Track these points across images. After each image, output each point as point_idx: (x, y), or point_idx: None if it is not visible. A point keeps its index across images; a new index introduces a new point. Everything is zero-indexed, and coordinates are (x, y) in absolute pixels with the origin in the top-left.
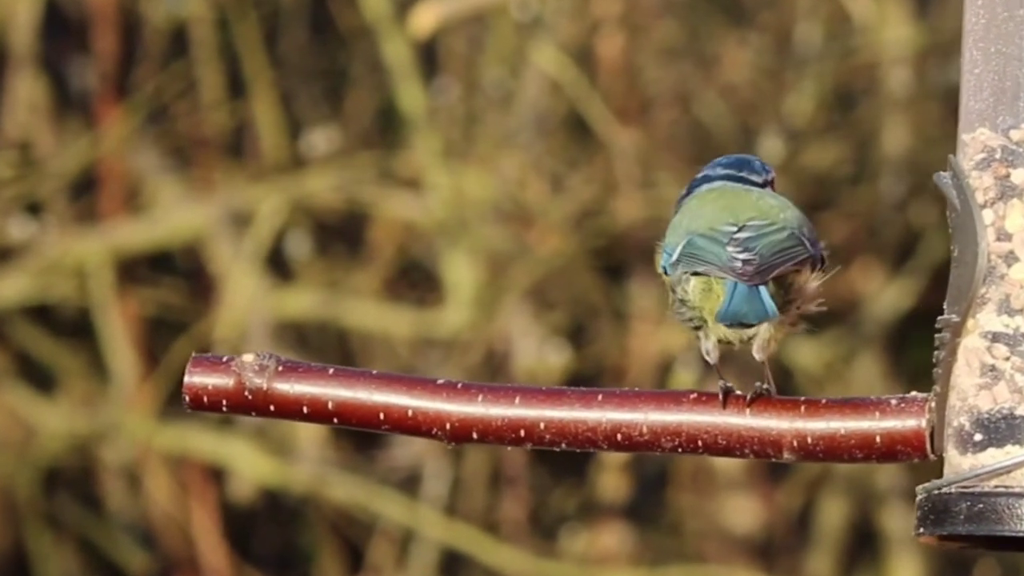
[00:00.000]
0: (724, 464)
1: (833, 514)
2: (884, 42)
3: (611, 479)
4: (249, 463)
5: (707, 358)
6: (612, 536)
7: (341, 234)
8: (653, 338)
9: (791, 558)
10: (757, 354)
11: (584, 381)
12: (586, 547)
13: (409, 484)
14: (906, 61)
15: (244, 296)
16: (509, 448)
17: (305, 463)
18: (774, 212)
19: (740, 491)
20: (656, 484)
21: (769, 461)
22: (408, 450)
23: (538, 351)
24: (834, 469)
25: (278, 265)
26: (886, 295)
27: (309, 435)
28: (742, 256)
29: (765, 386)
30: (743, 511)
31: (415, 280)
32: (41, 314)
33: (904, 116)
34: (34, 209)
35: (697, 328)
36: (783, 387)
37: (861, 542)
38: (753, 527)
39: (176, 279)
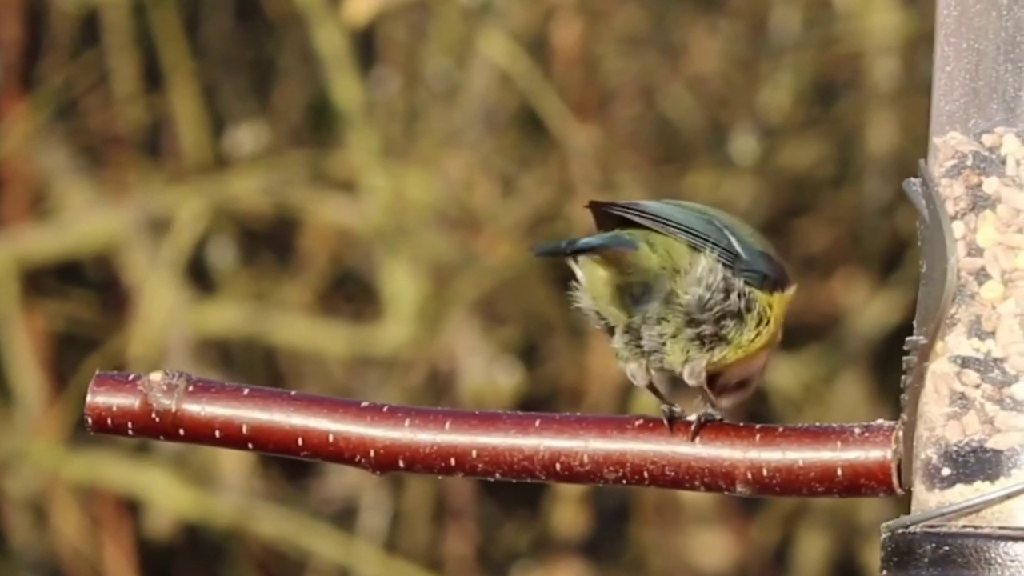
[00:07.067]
0: (692, 495)
1: (812, 550)
2: (869, 30)
3: (567, 512)
4: (167, 494)
5: (633, 381)
6: (568, 574)
7: (269, 241)
8: (613, 357)
9: None
10: (689, 379)
11: (537, 404)
12: None
13: (344, 517)
14: (893, 51)
15: (162, 310)
16: (443, 477)
17: (229, 494)
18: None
19: (710, 525)
20: (617, 517)
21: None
22: (343, 480)
23: (487, 371)
24: (814, 501)
25: (199, 276)
26: (871, 309)
27: (234, 463)
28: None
29: (709, 411)
30: (713, 547)
31: (351, 292)
32: None
33: (891, 111)
34: None
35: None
36: (758, 411)
37: None
38: (724, 564)
39: (87, 291)
